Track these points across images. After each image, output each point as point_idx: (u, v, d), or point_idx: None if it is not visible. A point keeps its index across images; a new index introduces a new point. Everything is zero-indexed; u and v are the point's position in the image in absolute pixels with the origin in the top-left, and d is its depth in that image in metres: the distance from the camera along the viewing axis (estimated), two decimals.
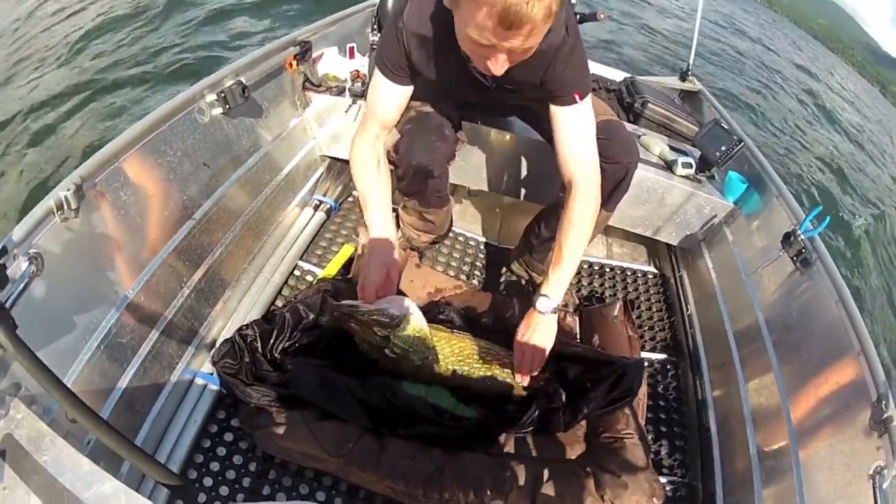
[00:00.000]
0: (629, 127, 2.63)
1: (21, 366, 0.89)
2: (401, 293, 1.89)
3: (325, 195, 2.53)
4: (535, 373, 1.65)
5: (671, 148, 2.47)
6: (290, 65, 2.18)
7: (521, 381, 1.66)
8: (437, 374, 1.63)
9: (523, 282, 2.38)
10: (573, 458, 1.66)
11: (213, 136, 1.84)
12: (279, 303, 2.03)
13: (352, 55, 2.47)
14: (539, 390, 1.68)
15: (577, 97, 1.50)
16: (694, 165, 2.33)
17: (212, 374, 1.67)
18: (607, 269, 2.65)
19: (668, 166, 2.37)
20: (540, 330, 1.59)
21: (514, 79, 1.36)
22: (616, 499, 1.46)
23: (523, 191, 2.39)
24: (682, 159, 2.32)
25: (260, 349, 1.65)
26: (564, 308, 2.14)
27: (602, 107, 1.84)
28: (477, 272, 2.42)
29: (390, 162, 1.76)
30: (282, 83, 2.20)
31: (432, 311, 1.86)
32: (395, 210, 1.77)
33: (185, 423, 1.59)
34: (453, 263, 2.42)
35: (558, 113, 1.53)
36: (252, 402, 1.53)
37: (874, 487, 1.25)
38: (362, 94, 2.24)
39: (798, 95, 14.24)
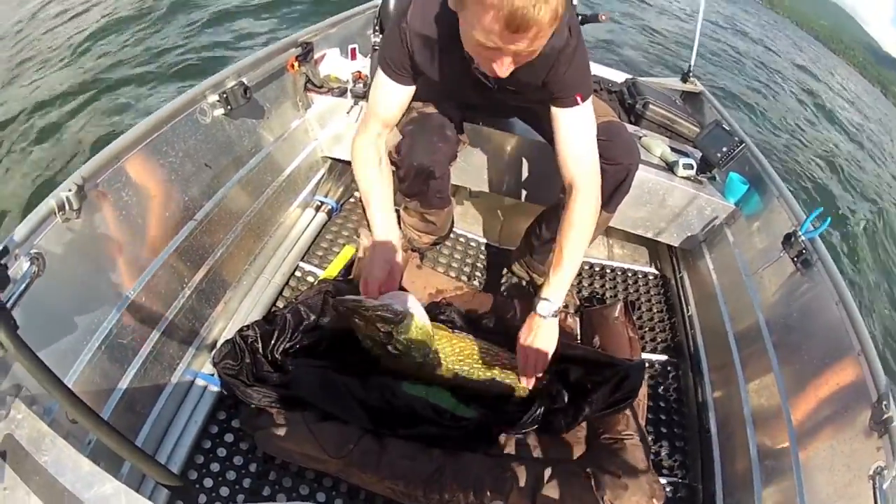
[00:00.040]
0: (630, 128, 2.62)
1: (22, 366, 0.89)
2: (402, 290, 1.90)
3: (326, 196, 2.54)
4: (540, 373, 1.65)
5: (672, 149, 2.47)
6: (292, 66, 2.18)
7: (527, 384, 1.66)
8: (438, 372, 1.63)
9: (524, 283, 2.38)
10: (573, 458, 1.66)
11: (215, 137, 1.84)
12: (280, 304, 2.02)
13: (353, 56, 2.47)
14: (540, 391, 1.68)
15: (578, 99, 1.50)
16: (695, 166, 2.33)
17: (212, 374, 1.67)
18: (608, 270, 2.65)
19: (670, 167, 2.37)
20: (542, 333, 1.59)
21: (517, 80, 1.36)
22: (616, 500, 1.46)
23: (524, 192, 2.39)
24: (683, 160, 2.32)
25: (261, 350, 1.65)
26: (565, 309, 2.13)
27: (603, 108, 1.84)
28: (478, 273, 2.42)
29: (392, 163, 1.76)
30: (283, 84, 2.20)
31: (433, 312, 1.86)
32: (396, 211, 1.77)
33: (185, 423, 1.59)
34: (454, 264, 2.42)
35: (559, 114, 1.53)
36: (253, 403, 1.53)
37: (874, 488, 1.24)
38: (364, 96, 2.24)
39: (799, 96, 14.23)
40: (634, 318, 2.09)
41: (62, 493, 0.90)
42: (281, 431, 1.49)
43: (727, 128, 2.39)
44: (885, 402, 1.33)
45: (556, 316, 1.58)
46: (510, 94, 1.60)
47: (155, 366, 1.56)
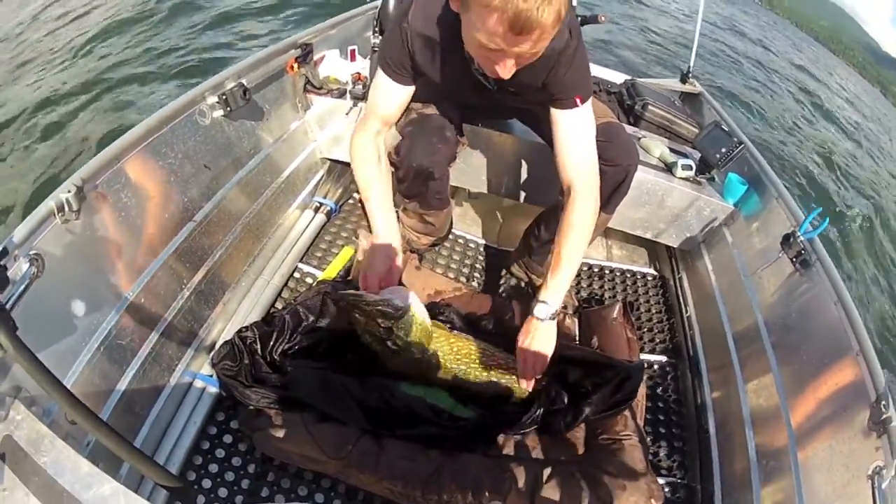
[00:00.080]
0: (629, 129, 2.63)
1: (21, 367, 0.89)
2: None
3: (325, 197, 2.54)
4: (539, 375, 1.65)
5: (671, 150, 2.47)
6: (292, 67, 2.18)
7: (527, 387, 1.66)
8: (436, 370, 1.64)
9: (523, 284, 2.38)
10: (572, 459, 1.65)
11: (214, 139, 1.84)
12: (279, 305, 2.02)
13: (353, 58, 2.47)
14: (539, 392, 1.68)
15: (578, 100, 1.50)
16: (694, 167, 2.33)
17: (211, 375, 1.67)
18: (607, 271, 2.65)
19: (668, 168, 2.37)
20: (540, 336, 1.59)
21: (517, 81, 1.36)
22: (615, 500, 1.46)
23: (523, 193, 2.39)
24: (682, 161, 2.32)
25: (259, 351, 1.65)
26: (564, 310, 2.14)
27: (602, 109, 1.84)
28: (477, 274, 2.43)
29: (391, 164, 1.76)
30: (283, 86, 2.21)
31: (432, 313, 1.85)
32: (395, 212, 1.78)
33: (184, 424, 1.59)
34: (453, 265, 2.42)
35: (559, 116, 1.54)
36: (251, 404, 1.54)
37: (873, 488, 1.24)
38: (363, 97, 2.24)
39: (798, 97, 14.25)
40: (633, 318, 2.09)
41: (61, 493, 0.90)
42: (279, 432, 1.49)
43: (726, 129, 2.39)
44: (883, 402, 1.33)
45: (553, 318, 1.58)
46: (509, 96, 1.60)
47: (154, 367, 1.56)
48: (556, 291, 1.56)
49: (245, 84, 1.88)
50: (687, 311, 2.44)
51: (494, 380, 1.67)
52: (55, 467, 0.93)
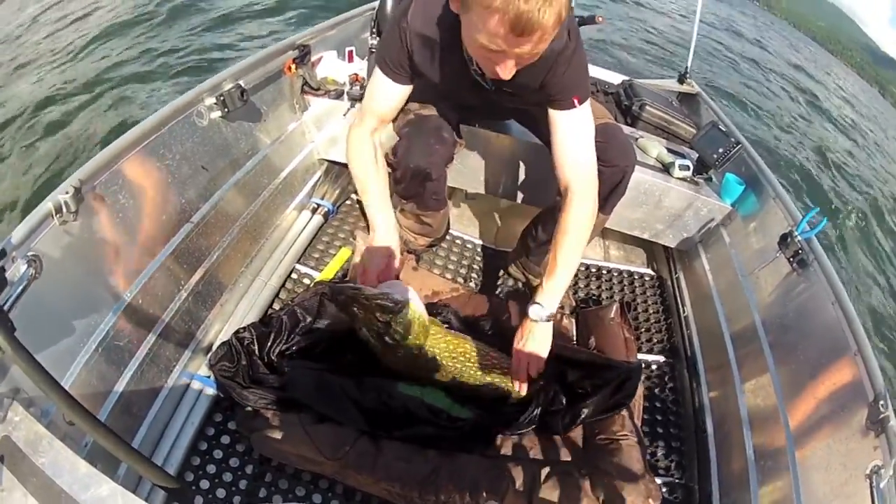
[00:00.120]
0: (627, 130, 2.63)
1: (19, 368, 0.89)
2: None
3: (322, 198, 2.53)
4: (534, 376, 1.65)
5: (669, 150, 2.48)
6: (289, 68, 2.18)
7: (519, 388, 1.66)
8: (434, 368, 1.63)
9: (520, 284, 2.38)
10: (569, 459, 1.66)
11: (212, 140, 1.85)
12: (276, 306, 2.02)
13: (350, 59, 2.48)
14: (537, 393, 1.68)
15: (575, 101, 1.50)
16: (691, 168, 2.33)
17: (209, 376, 1.67)
18: (604, 272, 2.66)
19: (666, 169, 2.37)
20: (535, 337, 1.59)
21: (514, 82, 1.36)
22: (612, 500, 1.46)
23: (520, 194, 2.39)
24: (679, 161, 2.33)
25: (257, 352, 1.65)
26: (561, 310, 2.14)
27: (600, 110, 1.84)
28: (474, 275, 2.43)
29: (388, 165, 1.76)
30: (280, 87, 2.21)
31: (430, 313, 1.85)
32: (392, 207, 1.78)
33: (182, 425, 1.59)
34: (450, 266, 2.42)
35: (556, 117, 1.53)
36: (249, 405, 1.54)
37: (871, 487, 1.25)
38: (361, 98, 2.24)
39: (796, 97, 14.28)
40: (630, 319, 2.09)
41: (59, 494, 0.90)
42: (277, 433, 1.49)
43: (723, 129, 2.40)
44: (881, 402, 1.34)
45: (549, 320, 1.58)
46: (507, 96, 1.60)
47: (151, 368, 1.56)
48: (552, 295, 1.56)
49: (243, 85, 1.88)
50: (684, 312, 2.44)
51: (492, 380, 1.67)
52: (53, 468, 0.93)
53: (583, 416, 1.61)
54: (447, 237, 2.46)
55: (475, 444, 1.60)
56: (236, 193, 1.97)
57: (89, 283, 1.38)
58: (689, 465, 1.88)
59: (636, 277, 2.68)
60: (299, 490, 1.56)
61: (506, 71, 1.24)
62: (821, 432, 1.51)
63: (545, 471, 1.52)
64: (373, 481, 1.46)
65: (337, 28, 2.60)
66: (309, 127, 2.42)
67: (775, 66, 17.00)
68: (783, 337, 1.84)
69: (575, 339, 2.11)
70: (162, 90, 5.17)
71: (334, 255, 2.27)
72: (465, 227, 2.69)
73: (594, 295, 2.50)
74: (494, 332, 1.93)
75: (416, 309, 1.56)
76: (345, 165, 1.90)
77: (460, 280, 2.35)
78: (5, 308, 1.03)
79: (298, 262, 2.22)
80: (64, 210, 1.24)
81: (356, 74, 2.33)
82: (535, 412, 1.60)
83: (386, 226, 1.68)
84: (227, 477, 1.54)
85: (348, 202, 2.64)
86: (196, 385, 1.68)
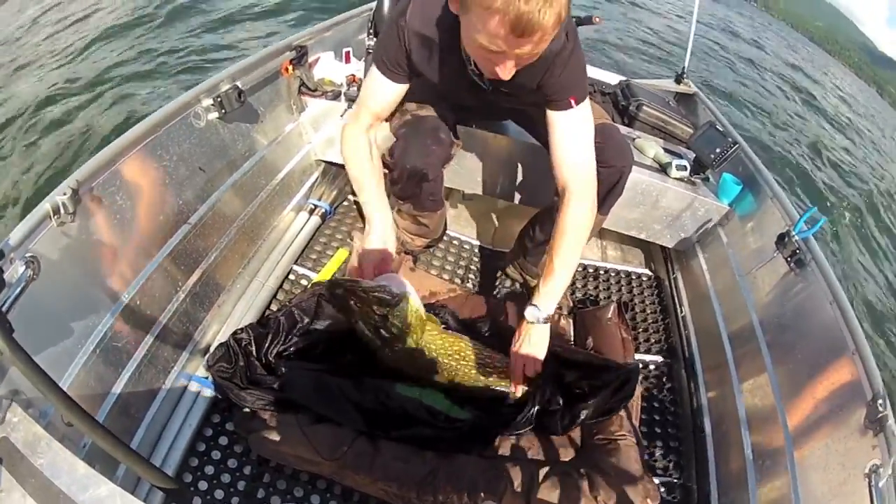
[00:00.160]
0: (624, 130, 2.64)
1: (17, 369, 0.89)
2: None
3: (320, 199, 2.53)
4: (531, 377, 1.65)
5: (666, 150, 2.48)
6: (286, 69, 2.18)
7: (515, 389, 1.65)
8: (431, 367, 1.63)
9: (518, 285, 2.39)
10: (567, 459, 1.66)
11: (209, 141, 1.85)
12: (274, 307, 2.02)
13: (348, 60, 2.48)
14: (534, 393, 1.68)
15: (572, 101, 1.49)
16: (688, 168, 2.34)
17: (207, 378, 1.67)
18: (601, 272, 2.66)
19: (663, 169, 2.38)
20: (532, 339, 1.58)
21: (512, 82, 1.35)
22: (610, 500, 1.46)
23: (518, 194, 2.39)
24: (676, 162, 2.33)
25: (254, 353, 1.65)
26: (558, 311, 2.14)
27: (597, 110, 1.84)
28: (471, 276, 2.43)
29: (385, 165, 1.76)
30: (278, 88, 2.21)
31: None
32: (388, 201, 1.78)
33: (180, 426, 1.59)
34: (448, 267, 2.42)
35: (554, 117, 1.53)
36: (247, 406, 1.54)
37: (870, 486, 1.25)
38: None
39: (793, 97, 14.29)
40: (628, 319, 2.09)
41: (58, 495, 0.90)
42: (275, 434, 1.49)
43: (721, 129, 2.41)
44: (879, 401, 1.34)
45: (546, 322, 1.57)
46: (504, 97, 1.60)
47: (149, 369, 1.56)
48: (549, 297, 1.55)
49: (240, 86, 1.88)
50: (682, 312, 2.45)
51: (489, 381, 1.67)
52: (52, 469, 0.93)
53: (582, 417, 1.61)
54: (444, 238, 2.46)
55: (473, 444, 1.60)
56: (233, 194, 1.97)
57: (87, 284, 1.38)
58: (687, 465, 1.88)
59: (633, 278, 2.68)
60: (297, 490, 1.56)
61: (505, 71, 1.24)
62: (819, 432, 1.52)
63: (543, 471, 1.52)
64: (370, 482, 1.46)
65: (334, 29, 2.60)
66: (306, 128, 2.42)
67: (772, 66, 17.02)
68: (781, 336, 1.84)
69: (572, 339, 2.11)
70: (161, 90, 5.18)
71: (332, 256, 2.27)
72: (462, 227, 2.69)
73: (591, 295, 2.50)
74: (492, 333, 1.93)
75: (413, 302, 1.56)
76: (342, 166, 1.90)
77: (458, 281, 2.36)
78: (3, 309, 1.03)
79: (296, 263, 2.22)
80: (62, 211, 1.24)
81: (353, 75, 2.34)
82: (531, 412, 1.60)
83: (382, 220, 1.67)
84: (226, 478, 1.54)
85: (345, 203, 2.64)
86: (194, 386, 1.68)
